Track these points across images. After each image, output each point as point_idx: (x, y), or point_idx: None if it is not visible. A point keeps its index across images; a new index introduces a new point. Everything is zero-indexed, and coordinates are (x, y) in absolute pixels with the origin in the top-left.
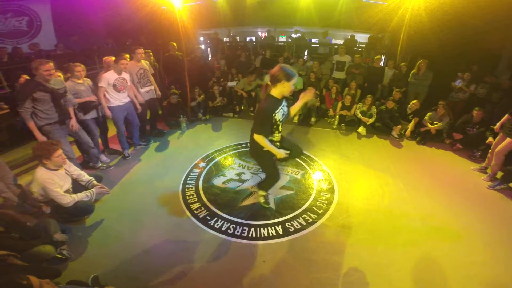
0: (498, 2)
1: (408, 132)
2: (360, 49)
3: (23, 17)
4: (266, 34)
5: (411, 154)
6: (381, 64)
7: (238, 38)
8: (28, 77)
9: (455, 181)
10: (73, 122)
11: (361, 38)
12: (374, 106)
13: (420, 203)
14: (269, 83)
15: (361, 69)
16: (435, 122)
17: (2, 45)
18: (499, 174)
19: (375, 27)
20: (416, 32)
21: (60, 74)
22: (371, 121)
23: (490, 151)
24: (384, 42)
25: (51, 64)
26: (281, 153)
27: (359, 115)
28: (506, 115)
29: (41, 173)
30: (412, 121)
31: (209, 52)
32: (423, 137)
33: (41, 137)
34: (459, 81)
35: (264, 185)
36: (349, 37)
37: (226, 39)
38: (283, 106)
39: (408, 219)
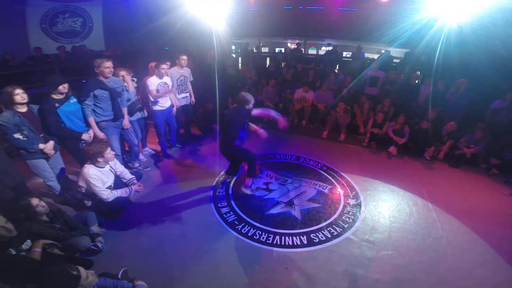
0: None
1: (441, 155)
2: (394, 64)
3: (78, 18)
4: (295, 46)
5: (443, 176)
6: (417, 81)
7: (267, 49)
8: None
9: (487, 205)
10: (126, 121)
11: (397, 53)
12: (407, 125)
13: (448, 224)
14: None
15: (395, 85)
16: (471, 146)
17: (61, 44)
18: None
19: (410, 41)
20: (456, 45)
21: (124, 73)
22: (403, 140)
23: None
24: (421, 58)
25: (111, 62)
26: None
27: (391, 134)
28: None
29: (89, 169)
30: (447, 143)
31: (240, 61)
32: (457, 160)
33: (99, 133)
34: (499, 101)
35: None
36: (383, 51)
37: (255, 50)
38: None
39: (435, 238)
